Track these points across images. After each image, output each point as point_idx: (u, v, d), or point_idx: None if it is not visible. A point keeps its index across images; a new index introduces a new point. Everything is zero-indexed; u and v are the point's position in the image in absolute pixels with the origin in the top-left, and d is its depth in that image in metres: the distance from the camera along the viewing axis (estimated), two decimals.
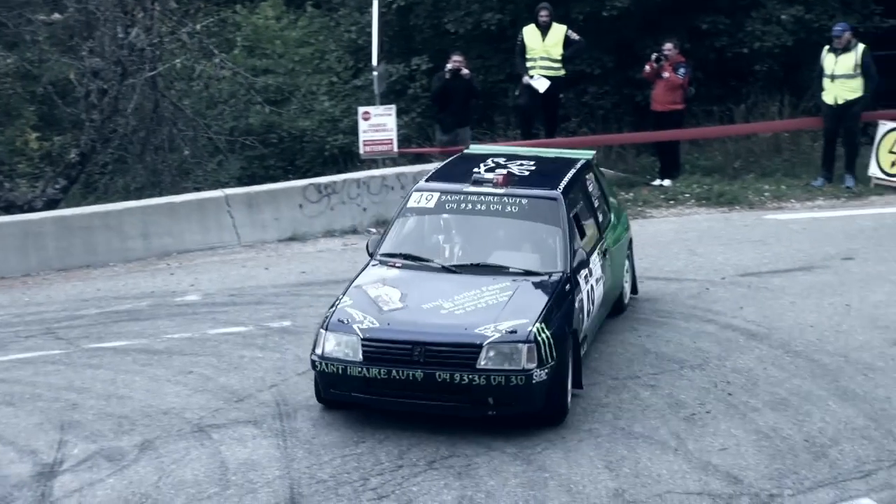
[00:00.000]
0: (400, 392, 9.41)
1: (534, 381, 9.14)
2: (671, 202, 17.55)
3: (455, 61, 18.02)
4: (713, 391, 10.24)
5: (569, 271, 10.12)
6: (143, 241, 15.56)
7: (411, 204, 10.93)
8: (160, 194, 17.57)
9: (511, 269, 10.19)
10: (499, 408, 9.29)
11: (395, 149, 17.91)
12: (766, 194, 17.70)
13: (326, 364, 9.55)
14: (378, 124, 17.79)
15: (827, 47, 17.89)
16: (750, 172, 18.93)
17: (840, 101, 17.76)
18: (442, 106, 18.62)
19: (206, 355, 11.59)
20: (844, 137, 18.06)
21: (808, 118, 19.68)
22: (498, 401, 9.22)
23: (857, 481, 8.64)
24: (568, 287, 10.03)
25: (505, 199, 10.63)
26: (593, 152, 12.51)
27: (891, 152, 17.84)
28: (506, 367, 9.15)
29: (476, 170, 11.09)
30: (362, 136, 17.88)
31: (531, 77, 18.44)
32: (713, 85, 20.78)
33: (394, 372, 9.29)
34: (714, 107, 20.56)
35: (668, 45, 18.27)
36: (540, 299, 9.73)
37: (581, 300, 10.23)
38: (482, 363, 9.16)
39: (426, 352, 9.25)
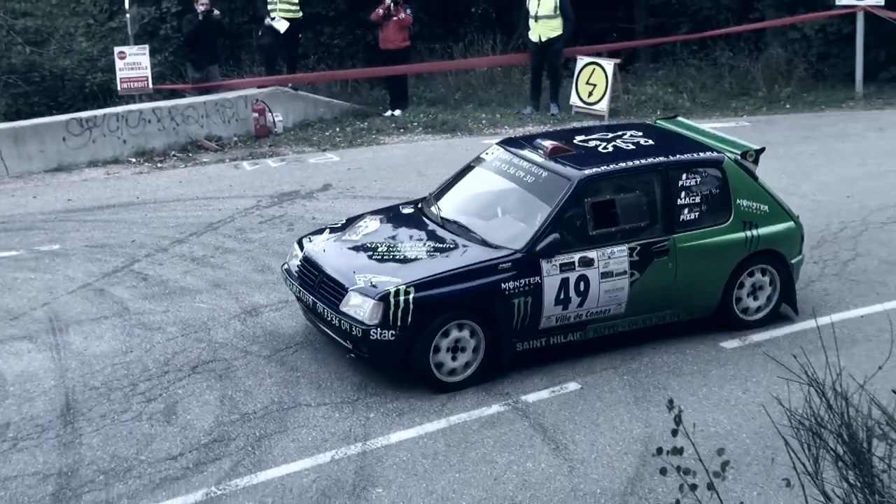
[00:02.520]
0: (306, 312, 9.30)
1: (371, 338, 8.42)
2: (401, 130, 17.67)
3: (203, 4, 17.74)
4: None
5: (525, 252, 8.73)
6: None
7: (483, 155, 10.11)
8: None
9: (473, 235, 9.10)
10: (355, 352, 8.74)
11: (151, 85, 17.66)
12: (483, 122, 18.03)
13: (284, 275, 9.54)
14: (133, 63, 17.54)
15: None
16: (469, 103, 19.22)
17: (543, 39, 18.14)
18: (193, 46, 18.39)
19: None
20: (549, 71, 18.51)
21: (517, 54, 20.05)
22: (353, 345, 8.66)
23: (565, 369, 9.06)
24: (507, 266, 8.67)
25: (535, 168, 9.30)
26: (752, 148, 9.93)
27: (587, 83, 18.37)
28: (354, 316, 8.51)
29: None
30: (119, 74, 17.59)
31: (272, 19, 18.39)
32: (435, 25, 21.00)
33: (302, 293, 9.09)
34: (436, 44, 20.80)
35: None
36: (442, 266, 8.73)
37: (538, 285, 8.71)
38: (342, 306, 8.61)
39: (321, 282, 8.91)
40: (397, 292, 8.39)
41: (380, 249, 9.08)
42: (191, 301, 10.53)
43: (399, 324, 8.39)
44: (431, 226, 9.42)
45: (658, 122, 10.77)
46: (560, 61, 18.61)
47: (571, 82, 18.59)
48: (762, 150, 10.00)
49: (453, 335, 8.58)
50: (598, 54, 18.89)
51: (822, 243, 11.81)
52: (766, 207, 9.68)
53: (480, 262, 8.70)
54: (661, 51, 21.92)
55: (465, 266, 8.68)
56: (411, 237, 9.30)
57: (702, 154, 9.60)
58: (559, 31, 18.12)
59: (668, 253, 9.16)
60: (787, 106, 18.76)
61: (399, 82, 18.90)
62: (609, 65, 18.27)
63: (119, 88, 17.65)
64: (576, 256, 8.84)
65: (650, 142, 9.79)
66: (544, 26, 18.12)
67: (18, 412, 8.46)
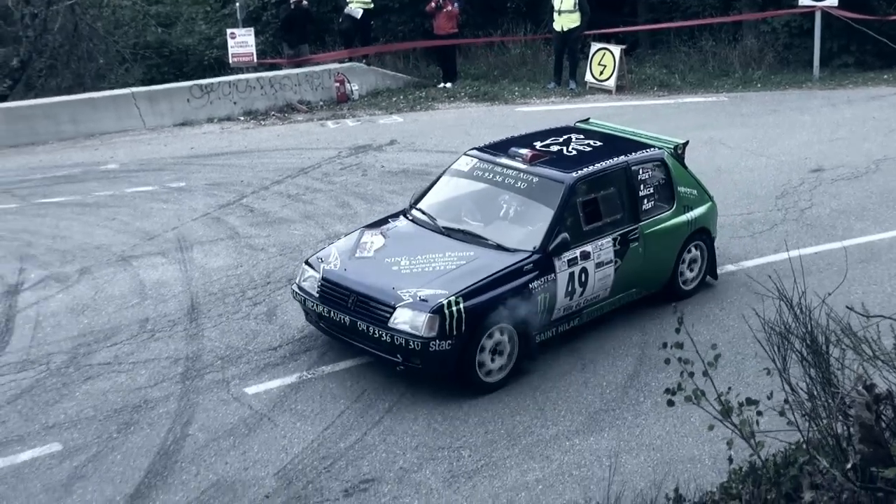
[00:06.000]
0: (339, 331, 7.61)
1: (431, 350, 7.08)
2: (451, 98, 17.51)
3: None
4: None
5: (541, 252, 7.67)
6: (73, 126, 14.89)
7: (455, 166, 8.68)
8: (83, 92, 16.85)
9: (487, 241, 7.80)
10: (405, 364, 7.26)
11: (255, 60, 17.56)
12: (516, 93, 17.81)
13: (298, 294, 7.87)
14: (242, 42, 17.45)
15: None
16: (505, 78, 18.98)
17: (565, 29, 17.90)
18: (288, 29, 18.40)
19: (124, 207, 11.28)
20: (568, 54, 18.27)
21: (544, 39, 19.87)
22: (404, 358, 7.22)
23: None
24: (530, 267, 7.60)
25: (522, 174, 8.16)
26: (679, 142, 9.21)
27: (599, 64, 18.13)
28: (408, 331, 7.11)
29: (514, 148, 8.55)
30: (231, 51, 17.50)
31: (351, 8, 18.27)
32: (478, 15, 20.78)
33: (332, 313, 7.51)
34: (479, 32, 20.58)
35: None
36: (479, 274, 7.43)
37: (553, 281, 7.70)
38: (392, 323, 7.17)
39: (357, 301, 7.40)
40: (449, 304, 7.11)
41: (403, 264, 7.62)
42: (287, 228, 10.57)
43: (455, 333, 7.12)
44: (438, 236, 8.00)
45: (576, 124, 9.70)
46: (577, 46, 18.36)
47: (586, 63, 18.36)
48: (686, 143, 9.25)
49: (497, 337, 7.39)
50: (608, 41, 18.66)
51: (785, 195, 11.68)
52: (695, 192, 9.01)
53: (510, 266, 7.53)
54: (657, 40, 21.67)
55: (499, 271, 7.46)
56: (427, 249, 7.79)
57: (648, 151, 8.77)
58: (577, 23, 17.87)
59: (639, 240, 8.37)
60: (759, 85, 18.44)
61: (450, 61, 18.73)
62: (616, 50, 18.01)
63: (230, 62, 17.59)
64: (577, 251, 7.87)
65: (599, 143, 8.82)
66: (566, 18, 17.87)
67: (155, 310, 8.57)
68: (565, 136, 8.96)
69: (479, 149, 8.76)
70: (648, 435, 6.87)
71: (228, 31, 17.84)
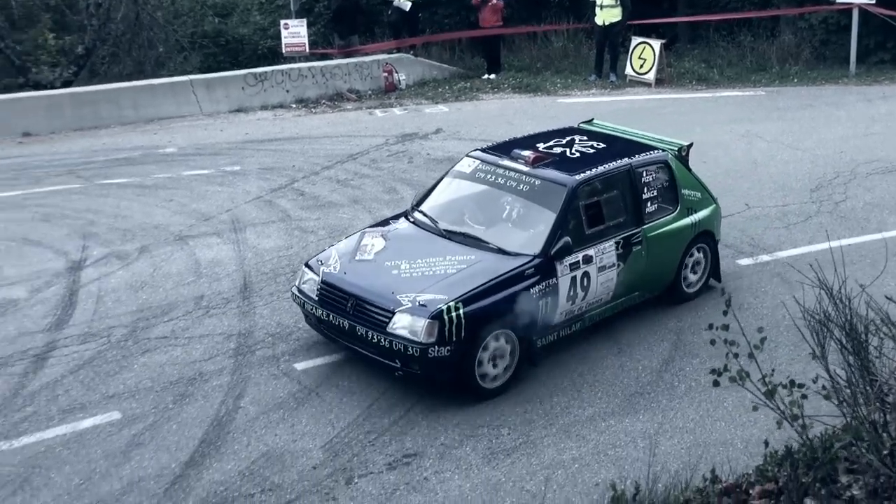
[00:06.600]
0: (338, 335, 7.24)
1: (429, 356, 6.68)
2: (495, 89, 17.41)
3: None
4: None
5: (542, 257, 7.23)
6: (134, 111, 15.02)
7: (458, 167, 8.23)
8: (144, 79, 16.95)
9: (488, 244, 7.37)
10: (404, 370, 6.88)
11: (307, 49, 17.59)
12: (558, 85, 17.67)
13: (298, 297, 7.50)
14: (294, 32, 17.50)
15: None
16: (547, 70, 18.85)
17: (606, 23, 17.76)
18: (338, 20, 18.45)
19: (181, 189, 11.35)
20: (609, 48, 18.10)
21: (585, 31, 19.74)
22: (403, 364, 6.84)
23: None
24: (531, 271, 7.17)
25: (525, 177, 7.71)
26: (683, 144, 8.74)
27: (639, 58, 17.96)
28: (407, 336, 6.72)
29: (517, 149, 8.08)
30: (284, 41, 17.55)
31: (399, 0, 18.28)
32: (522, 9, 20.62)
33: (332, 317, 7.13)
34: (523, 24, 20.42)
35: None
36: (479, 278, 6.99)
37: (555, 285, 7.26)
38: (391, 328, 6.79)
39: (356, 305, 7.02)
40: (449, 309, 6.69)
41: (403, 267, 7.19)
42: (335, 212, 10.57)
43: (454, 339, 6.71)
44: (439, 239, 7.55)
45: (580, 124, 9.24)
46: (618, 40, 18.18)
47: (627, 57, 18.19)
48: (691, 145, 8.80)
49: (496, 343, 6.94)
50: (648, 35, 18.44)
51: (819, 188, 11.48)
52: (699, 194, 8.55)
53: (511, 271, 7.09)
54: (697, 35, 21.37)
55: (500, 276, 7.03)
56: (427, 252, 7.36)
57: (652, 153, 8.29)
58: (619, 17, 17.70)
59: (642, 243, 7.91)
60: (795, 80, 18.14)
61: (494, 52, 18.64)
62: (656, 44, 17.81)
63: (284, 51, 17.61)
64: (579, 255, 7.41)
65: (602, 145, 8.36)
66: (607, 13, 17.72)
67: (209, 288, 8.61)
68: (568, 138, 8.52)
69: (482, 150, 8.35)
70: (682, 418, 6.80)
71: (282, 21, 17.91)
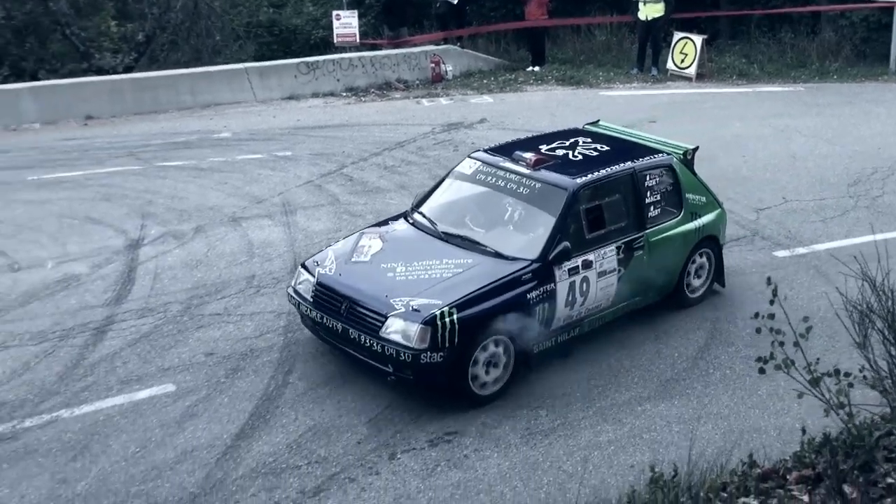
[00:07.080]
0: (332, 337, 6.87)
1: (422, 361, 6.34)
2: (539, 81, 17.33)
3: None
4: None
5: (540, 262, 6.85)
6: (191, 97, 15.17)
7: (459, 169, 7.85)
8: (201, 66, 17.11)
9: (486, 248, 6.99)
10: (396, 375, 6.54)
11: (358, 40, 17.61)
12: (601, 78, 17.55)
13: (293, 298, 7.12)
14: (346, 23, 17.52)
15: None
16: (590, 63, 18.73)
17: (649, 18, 17.60)
18: (388, 12, 18.48)
19: (235, 172, 11.43)
20: (651, 42, 17.94)
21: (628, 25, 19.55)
22: (395, 369, 6.50)
23: None
24: (529, 276, 6.79)
25: (525, 180, 7.32)
26: (688, 148, 8.28)
27: (681, 52, 17.78)
28: (400, 341, 6.37)
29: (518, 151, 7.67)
30: (335, 31, 17.59)
31: None
32: (566, 2, 20.46)
33: (326, 319, 6.78)
34: (567, 18, 20.26)
35: None
36: (475, 283, 6.63)
37: (553, 290, 6.89)
38: (383, 332, 6.43)
39: (349, 308, 6.66)
40: (442, 314, 6.35)
41: (399, 270, 6.83)
42: (383, 197, 10.59)
43: (447, 345, 6.37)
44: (437, 241, 7.17)
45: (585, 126, 8.80)
46: (661, 35, 18.00)
47: (668, 51, 17.99)
48: (696, 148, 8.35)
49: (491, 349, 6.62)
50: (690, 30, 18.23)
51: (857, 182, 11.29)
52: (704, 198, 8.13)
53: (507, 276, 6.71)
54: (738, 31, 21.06)
55: (495, 281, 6.65)
56: (424, 255, 6.99)
57: (656, 157, 7.89)
58: (661, 13, 17.55)
59: (644, 247, 7.51)
60: (835, 77, 17.85)
61: (539, 45, 18.53)
62: (698, 39, 17.61)
63: (335, 41, 17.65)
64: (579, 260, 7.02)
65: (605, 147, 7.94)
66: (650, 8, 17.56)
67: (261, 268, 8.68)
68: (572, 140, 8.10)
69: (484, 151, 7.97)
70: (716, 405, 6.74)
71: (334, 12, 17.93)
